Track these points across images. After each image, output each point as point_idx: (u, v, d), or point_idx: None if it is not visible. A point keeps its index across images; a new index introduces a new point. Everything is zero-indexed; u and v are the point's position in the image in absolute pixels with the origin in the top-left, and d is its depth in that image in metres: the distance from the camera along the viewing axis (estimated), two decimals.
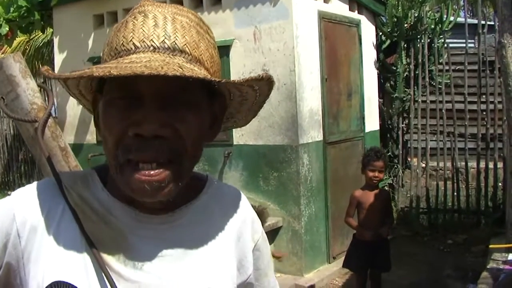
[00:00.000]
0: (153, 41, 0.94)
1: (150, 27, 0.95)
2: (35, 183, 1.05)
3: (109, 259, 0.98)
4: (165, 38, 0.94)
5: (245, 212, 1.16)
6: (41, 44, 9.94)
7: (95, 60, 6.49)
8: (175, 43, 0.95)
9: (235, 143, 5.58)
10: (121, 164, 0.94)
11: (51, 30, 7.74)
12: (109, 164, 0.99)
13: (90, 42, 6.66)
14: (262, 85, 1.01)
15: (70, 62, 6.77)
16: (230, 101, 1.10)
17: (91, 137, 6.69)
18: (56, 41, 7.07)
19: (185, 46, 0.96)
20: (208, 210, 1.09)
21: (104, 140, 0.98)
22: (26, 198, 1.01)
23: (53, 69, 7.31)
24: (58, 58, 6.96)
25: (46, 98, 1.37)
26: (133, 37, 0.94)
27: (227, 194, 1.17)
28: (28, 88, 1.39)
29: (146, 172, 0.92)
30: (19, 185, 9.86)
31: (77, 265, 0.96)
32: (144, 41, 0.94)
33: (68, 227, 0.99)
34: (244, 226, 1.14)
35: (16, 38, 8.61)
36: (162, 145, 0.93)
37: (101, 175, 1.06)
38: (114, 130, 0.94)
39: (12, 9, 6.87)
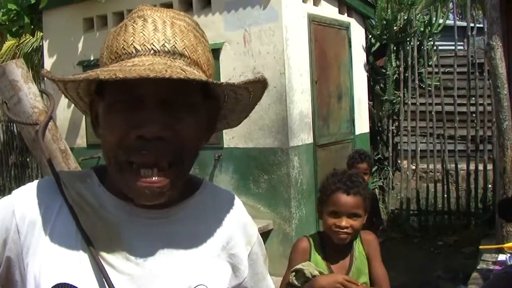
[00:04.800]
0: (153, 45, 0.98)
1: (150, 31, 0.99)
2: (34, 182, 1.09)
3: (103, 252, 1.01)
4: (165, 41, 0.98)
5: (238, 214, 1.18)
6: (30, 48, 9.89)
7: (85, 64, 6.47)
8: (175, 47, 0.99)
9: (225, 146, 5.57)
10: (121, 163, 0.98)
11: (41, 33, 7.71)
12: (107, 162, 1.02)
13: (80, 45, 6.64)
14: (256, 87, 1.05)
15: (60, 65, 6.75)
16: (224, 103, 1.13)
17: (82, 140, 6.67)
18: (46, 44, 7.05)
19: (184, 49, 1.00)
20: (202, 209, 1.12)
21: (103, 140, 1.01)
22: (25, 195, 1.05)
23: None
24: (48, 62, 6.94)
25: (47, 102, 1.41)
26: (133, 41, 0.98)
27: (221, 196, 1.19)
28: (30, 93, 1.44)
29: (148, 179, 0.96)
30: (10, 189, 9.83)
31: (72, 258, 1.00)
32: (144, 44, 0.98)
33: (64, 222, 1.02)
34: (236, 229, 1.15)
35: (6, 42, 8.57)
36: (163, 147, 0.96)
37: (99, 174, 1.09)
38: (116, 132, 0.97)
39: (1, 12, 6.84)
